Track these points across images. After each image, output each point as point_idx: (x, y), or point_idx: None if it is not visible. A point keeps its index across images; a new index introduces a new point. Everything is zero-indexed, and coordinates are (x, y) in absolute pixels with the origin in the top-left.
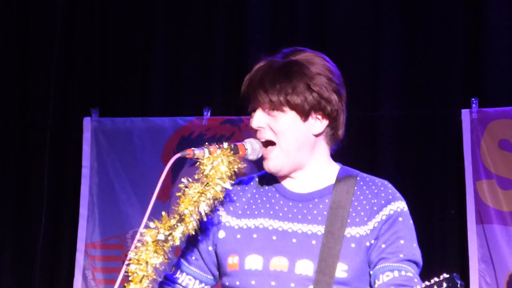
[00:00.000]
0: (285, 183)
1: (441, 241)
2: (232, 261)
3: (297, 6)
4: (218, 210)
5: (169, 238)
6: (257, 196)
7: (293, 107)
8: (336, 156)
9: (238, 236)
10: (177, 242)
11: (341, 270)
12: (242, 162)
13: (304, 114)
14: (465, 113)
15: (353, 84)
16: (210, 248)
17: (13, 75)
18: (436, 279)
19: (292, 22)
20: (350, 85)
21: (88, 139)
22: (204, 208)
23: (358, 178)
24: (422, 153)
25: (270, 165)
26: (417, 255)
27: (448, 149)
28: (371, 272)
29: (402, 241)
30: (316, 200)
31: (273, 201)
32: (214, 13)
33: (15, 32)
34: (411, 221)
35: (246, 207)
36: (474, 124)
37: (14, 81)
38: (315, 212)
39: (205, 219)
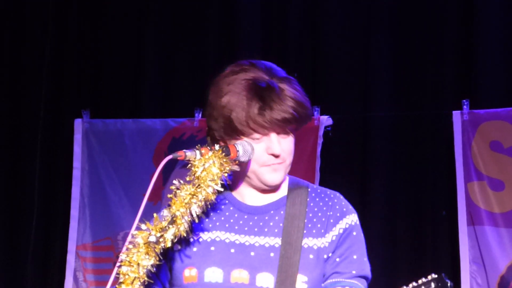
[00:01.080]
0: (238, 195)
1: (433, 243)
2: (189, 273)
3: (288, 7)
4: None
5: (161, 240)
6: (209, 208)
7: (302, 125)
8: (327, 157)
9: (194, 249)
10: (169, 244)
11: (301, 282)
12: (234, 164)
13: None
14: (456, 114)
15: (344, 85)
16: (160, 262)
17: (4, 77)
18: (423, 279)
19: (284, 23)
20: (342, 86)
21: (79, 141)
22: (195, 209)
23: (309, 189)
24: (414, 155)
25: (279, 178)
26: (367, 270)
27: (439, 150)
28: (322, 285)
29: (355, 256)
30: (271, 212)
31: (227, 214)
32: (206, 15)
33: (7, 34)
34: (362, 234)
35: (200, 220)
36: (465, 125)
37: (5, 83)
38: (271, 224)
39: (197, 220)
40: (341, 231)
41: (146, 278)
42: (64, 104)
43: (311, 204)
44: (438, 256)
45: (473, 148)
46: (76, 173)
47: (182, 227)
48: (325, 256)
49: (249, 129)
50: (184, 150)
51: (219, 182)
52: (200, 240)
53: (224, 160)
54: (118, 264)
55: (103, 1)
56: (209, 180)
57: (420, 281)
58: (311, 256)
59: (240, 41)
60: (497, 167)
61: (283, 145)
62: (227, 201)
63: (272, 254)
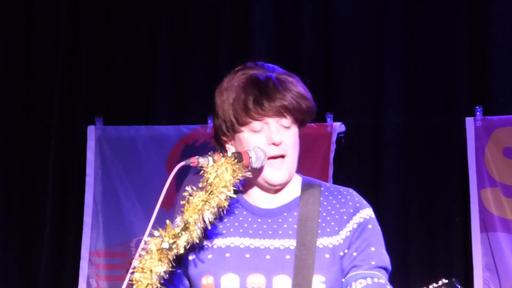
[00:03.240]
0: (251, 199)
1: (446, 249)
2: (206, 281)
3: (301, 15)
4: None
5: (173, 246)
6: (223, 215)
7: (305, 120)
8: (340, 164)
9: (210, 256)
10: (181, 250)
11: (319, 282)
12: (246, 170)
13: (304, 126)
14: (469, 121)
15: (357, 92)
16: (179, 270)
17: (18, 84)
18: (434, 284)
19: (297, 30)
20: (355, 92)
21: (93, 147)
22: (208, 216)
23: (322, 188)
24: (427, 161)
25: (282, 177)
26: (387, 261)
27: (452, 157)
28: (343, 280)
29: (372, 248)
30: (285, 214)
31: (241, 218)
32: (219, 22)
33: (20, 41)
34: (379, 227)
35: (213, 227)
36: (478, 132)
37: (19, 90)
38: (285, 226)
39: (209, 227)
40: (355, 226)
41: (159, 286)
42: (77, 111)
43: (324, 203)
44: (451, 262)
45: (486, 154)
46: (89, 180)
47: (195, 233)
48: (341, 253)
49: (247, 117)
50: (196, 157)
51: (231, 188)
52: (215, 247)
53: (237, 166)
54: (131, 270)
55: (116, 7)
56: (222, 187)
57: (431, 286)
58: (327, 256)
59: (253, 49)
60: (510, 173)
61: (284, 136)
62: (240, 206)
63: (287, 256)
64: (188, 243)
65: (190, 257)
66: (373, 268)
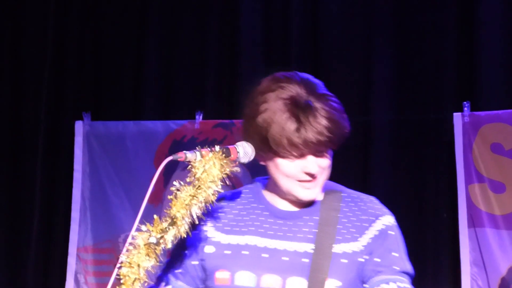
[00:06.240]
0: (274, 200)
1: (433, 245)
2: (220, 275)
3: (290, 13)
4: (205, 225)
5: (161, 241)
6: (244, 213)
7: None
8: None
9: (227, 251)
10: (169, 245)
11: (335, 286)
12: (234, 165)
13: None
14: (457, 116)
15: (345, 88)
16: (196, 262)
17: (5, 79)
18: None
19: (285, 28)
20: (343, 89)
21: (80, 143)
22: (196, 211)
23: (344, 194)
24: (414, 157)
25: (313, 195)
26: (409, 267)
27: (440, 153)
28: (367, 286)
29: (395, 254)
30: (305, 217)
31: (261, 218)
32: (207, 18)
33: (7, 36)
34: (401, 234)
35: (234, 223)
36: (466, 127)
37: (5, 85)
38: (304, 229)
39: (197, 222)
40: (376, 233)
41: (147, 279)
42: (65, 106)
43: (345, 209)
44: (439, 258)
45: (474, 150)
46: (77, 176)
47: (183, 228)
48: (361, 260)
49: (285, 150)
50: (184, 152)
51: (219, 183)
52: (233, 243)
53: (225, 161)
54: (118, 265)
55: (103, 3)
56: (210, 182)
57: None
58: (345, 261)
59: (241, 45)
60: (498, 169)
61: (320, 162)
62: (262, 206)
63: (304, 260)
64: (175, 238)
65: (209, 250)
66: (396, 273)
